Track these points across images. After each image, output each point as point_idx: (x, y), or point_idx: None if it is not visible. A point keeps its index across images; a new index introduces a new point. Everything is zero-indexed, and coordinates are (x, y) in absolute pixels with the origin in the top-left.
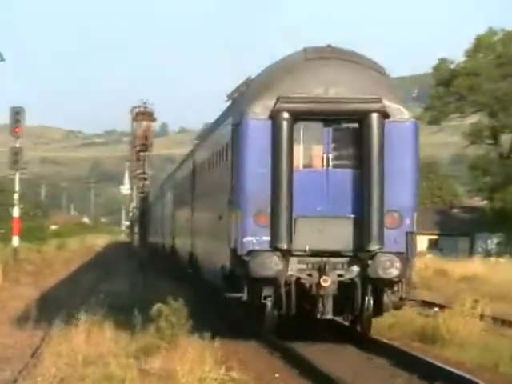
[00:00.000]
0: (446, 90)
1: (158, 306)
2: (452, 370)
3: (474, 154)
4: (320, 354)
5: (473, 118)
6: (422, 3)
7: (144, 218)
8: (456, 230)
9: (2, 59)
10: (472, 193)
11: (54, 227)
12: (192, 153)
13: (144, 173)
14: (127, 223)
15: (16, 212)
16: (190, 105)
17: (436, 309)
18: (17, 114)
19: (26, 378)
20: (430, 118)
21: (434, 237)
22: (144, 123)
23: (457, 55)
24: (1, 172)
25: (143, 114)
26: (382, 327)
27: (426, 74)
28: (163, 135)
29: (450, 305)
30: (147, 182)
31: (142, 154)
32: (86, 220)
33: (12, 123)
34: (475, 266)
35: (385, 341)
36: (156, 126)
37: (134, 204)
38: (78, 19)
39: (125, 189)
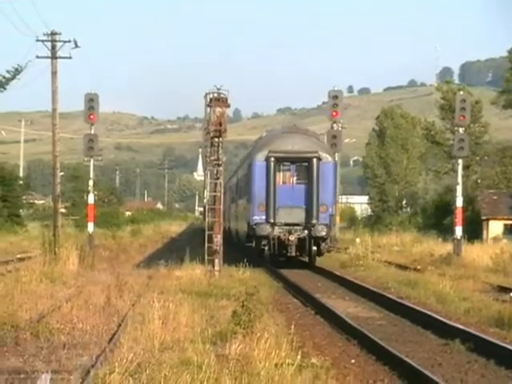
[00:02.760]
0: None
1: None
2: None
3: None
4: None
5: None
6: None
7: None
8: None
9: (77, 46)
10: None
11: (128, 213)
12: (236, 171)
13: (218, 159)
14: (201, 209)
15: (91, 198)
16: (263, 91)
17: None
18: (91, 100)
19: (104, 363)
20: (504, 101)
21: (510, 222)
22: (218, 109)
23: None
24: (76, 159)
25: (217, 100)
26: (457, 312)
27: (502, 58)
28: (236, 121)
29: None
30: (221, 169)
31: (215, 139)
32: (159, 206)
33: (86, 110)
34: None
35: (461, 326)
36: (229, 111)
37: (207, 190)
38: (152, 2)
39: (199, 175)
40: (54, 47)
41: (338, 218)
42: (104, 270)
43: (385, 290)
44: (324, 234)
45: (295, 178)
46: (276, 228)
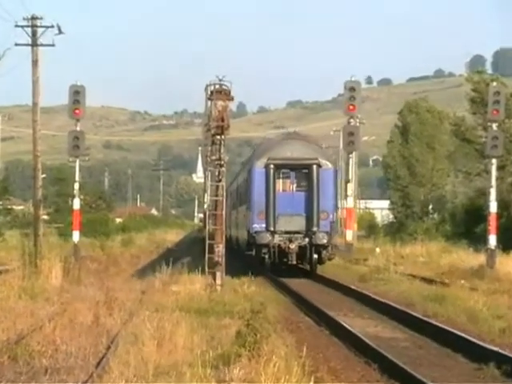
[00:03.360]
0: None
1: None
2: None
3: None
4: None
5: None
6: None
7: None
8: None
9: (60, 32)
10: None
11: (118, 220)
12: (236, 177)
13: (220, 159)
14: (201, 215)
15: (76, 204)
16: (270, 82)
17: None
18: (76, 93)
19: None
20: None
21: None
22: (220, 103)
23: None
24: (59, 159)
25: (219, 93)
26: (491, 332)
27: None
28: (241, 116)
29: None
30: (223, 169)
31: (217, 137)
32: (154, 212)
33: (71, 104)
34: None
35: (495, 348)
36: (233, 105)
37: (208, 194)
38: None
39: (198, 177)
40: (34, 33)
41: (355, 226)
42: (91, 285)
43: (408, 307)
44: (325, 241)
45: (295, 186)
46: (276, 236)
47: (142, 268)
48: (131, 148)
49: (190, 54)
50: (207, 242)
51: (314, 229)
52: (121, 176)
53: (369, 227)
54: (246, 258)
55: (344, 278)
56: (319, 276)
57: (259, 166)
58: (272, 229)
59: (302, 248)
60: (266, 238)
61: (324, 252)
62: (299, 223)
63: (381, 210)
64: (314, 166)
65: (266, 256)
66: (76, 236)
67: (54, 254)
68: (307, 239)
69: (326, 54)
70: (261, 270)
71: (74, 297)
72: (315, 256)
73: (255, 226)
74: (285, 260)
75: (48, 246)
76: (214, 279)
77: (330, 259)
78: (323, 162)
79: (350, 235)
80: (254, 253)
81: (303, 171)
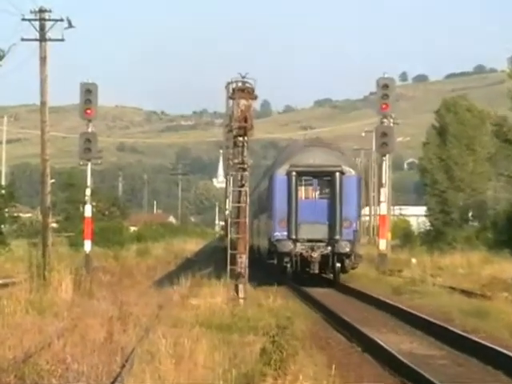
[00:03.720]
0: None
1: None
2: None
3: None
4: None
5: None
6: None
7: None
8: None
9: (71, 26)
10: None
11: (133, 229)
12: (257, 185)
13: (243, 162)
14: (222, 223)
15: (88, 211)
16: (296, 79)
17: None
18: (88, 92)
19: None
20: None
21: None
22: (242, 102)
23: None
24: (70, 163)
25: (241, 91)
26: None
27: None
28: (265, 116)
29: None
30: (246, 173)
31: (239, 138)
32: (172, 220)
33: (82, 103)
34: None
35: None
36: (257, 104)
37: (229, 200)
38: None
39: (219, 182)
40: (42, 27)
41: (389, 234)
42: (104, 299)
43: (447, 322)
44: (348, 250)
45: (317, 193)
46: (298, 244)
47: (159, 280)
48: (147, 151)
49: (211, 49)
50: (229, 251)
51: (337, 237)
52: (136, 181)
53: (404, 236)
54: (267, 267)
55: (377, 290)
56: (349, 288)
57: (281, 174)
58: (294, 237)
59: (324, 257)
60: (288, 246)
61: (347, 261)
62: (322, 231)
63: (417, 217)
64: (337, 173)
65: (288, 265)
66: (88, 246)
67: (64, 265)
68: (330, 248)
69: (357, 49)
70: (282, 279)
71: (86, 311)
72: (338, 265)
73: (277, 234)
74: (307, 269)
75: (57, 256)
76: (237, 292)
77: (353, 268)
78: (346, 169)
79: (383, 244)
80: (275, 261)
81: (326, 178)
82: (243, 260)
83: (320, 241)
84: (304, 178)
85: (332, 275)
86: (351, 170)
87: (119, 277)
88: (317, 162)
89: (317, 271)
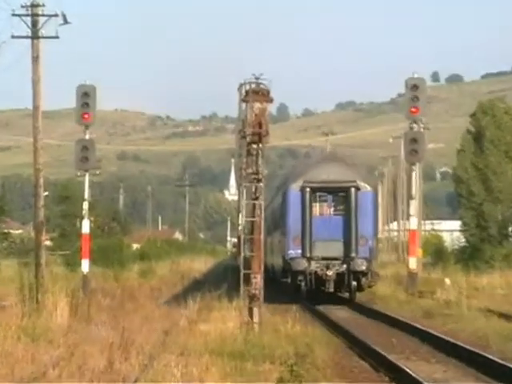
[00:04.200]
0: None
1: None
2: None
3: None
4: None
5: None
6: None
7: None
8: None
9: (66, 22)
10: None
11: (135, 246)
12: (272, 200)
13: (257, 172)
14: (234, 240)
15: (85, 227)
16: (316, 80)
17: None
18: (85, 95)
19: None
20: None
21: None
22: (257, 105)
23: None
24: (66, 173)
25: (256, 93)
26: None
27: None
28: (282, 121)
29: None
30: (261, 185)
31: (253, 146)
32: (178, 236)
33: (79, 107)
34: None
35: None
36: (272, 108)
37: (242, 214)
38: None
39: (231, 194)
40: (35, 24)
41: (420, 251)
42: (104, 324)
43: (484, 349)
44: (364, 268)
45: (332, 209)
46: (313, 262)
47: (165, 303)
48: (151, 159)
49: (221, 47)
50: (242, 271)
51: (353, 255)
52: (138, 193)
53: (436, 253)
54: (283, 288)
55: (406, 314)
56: (375, 311)
57: (294, 189)
58: (308, 255)
59: (339, 275)
60: (302, 264)
61: (363, 279)
62: (337, 249)
63: (451, 232)
64: (352, 189)
65: (303, 283)
66: (85, 265)
67: (59, 286)
68: (345, 266)
69: (383, 47)
70: (297, 298)
71: (83, 338)
72: (354, 283)
73: (291, 251)
74: (322, 288)
75: (52, 277)
76: (251, 316)
77: (369, 287)
78: (362, 184)
79: (413, 263)
80: (289, 280)
81: (341, 194)
82: (258, 280)
83: (335, 259)
84: (318, 193)
85: (348, 294)
86: (367, 185)
87: (120, 300)
88: (331, 178)
89: (332, 290)
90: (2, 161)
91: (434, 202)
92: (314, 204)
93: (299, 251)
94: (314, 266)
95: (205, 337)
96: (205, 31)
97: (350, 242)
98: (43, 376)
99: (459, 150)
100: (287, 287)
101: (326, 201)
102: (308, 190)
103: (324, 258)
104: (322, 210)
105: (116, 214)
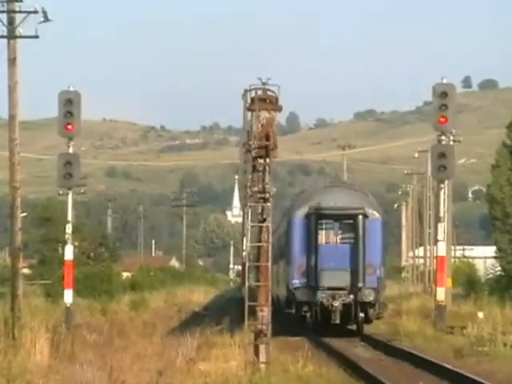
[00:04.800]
0: None
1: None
2: None
3: None
4: None
5: None
6: None
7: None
8: None
9: (47, 19)
10: None
11: (126, 275)
12: (277, 227)
13: (264, 190)
14: (238, 268)
15: (69, 253)
16: (331, 87)
17: None
18: (69, 102)
19: None
20: None
21: None
22: (264, 114)
23: None
24: (46, 192)
25: (262, 101)
26: None
27: None
28: (292, 132)
29: None
30: (269, 205)
31: (260, 161)
32: (174, 263)
33: (62, 117)
34: None
35: None
36: (282, 118)
37: (247, 238)
38: None
39: (234, 215)
40: (11, 21)
41: (449, 281)
42: (89, 363)
43: None
44: (371, 298)
45: (339, 237)
46: (318, 293)
47: (159, 339)
48: (143, 176)
49: (225, 48)
50: (247, 303)
51: (360, 285)
52: (129, 214)
53: (468, 283)
54: (289, 320)
55: (434, 352)
56: (399, 350)
57: (300, 216)
58: (313, 284)
59: (346, 306)
60: (307, 294)
61: (371, 310)
62: (343, 278)
63: (484, 259)
64: (360, 216)
65: (308, 314)
66: (68, 296)
67: (39, 321)
68: (352, 296)
69: (408, 47)
70: (301, 329)
71: (66, 380)
72: (361, 315)
73: (295, 281)
74: (328, 319)
75: (30, 310)
76: (257, 355)
77: (378, 318)
78: (370, 211)
79: (441, 294)
80: (293, 311)
81: (348, 222)
82: (265, 314)
83: (342, 289)
84: (324, 221)
85: (356, 326)
86: (375, 212)
87: (108, 336)
88: (338, 204)
89: (338, 321)
90: None
91: (466, 224)
92: (319, 231)
93: (304, 281)
94: (319, 296)
95: (205, 378)
96: (205, 31)
97: (358, 271)
98: None
99: (494, 166)
100: (292, 319)
101: (332, 228)
102: (314, 216)
103: (330, 288)
104: (329, 237)
105: (104, 239)
